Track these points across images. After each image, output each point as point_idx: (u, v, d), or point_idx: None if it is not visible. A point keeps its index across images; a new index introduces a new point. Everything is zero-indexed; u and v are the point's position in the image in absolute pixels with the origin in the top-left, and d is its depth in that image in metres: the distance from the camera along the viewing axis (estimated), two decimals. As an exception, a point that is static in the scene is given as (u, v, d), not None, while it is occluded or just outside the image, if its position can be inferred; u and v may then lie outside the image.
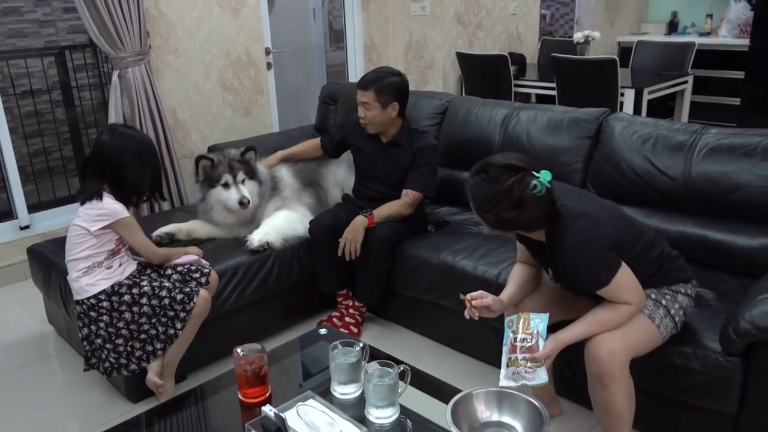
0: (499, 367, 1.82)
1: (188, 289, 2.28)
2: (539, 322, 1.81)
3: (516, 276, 2.05)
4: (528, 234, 1.86)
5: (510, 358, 1.81)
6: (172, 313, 2.26)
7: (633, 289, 1.78)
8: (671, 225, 2.43)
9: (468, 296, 1.91)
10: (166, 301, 2.25)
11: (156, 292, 2.25)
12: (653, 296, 1.89)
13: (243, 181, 2.75)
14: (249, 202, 2.71)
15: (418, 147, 2.81)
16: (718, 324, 1.91)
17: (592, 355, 1.78)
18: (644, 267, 1.84)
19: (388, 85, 2.74)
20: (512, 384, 1.77)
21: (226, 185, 2.71)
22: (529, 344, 1.79)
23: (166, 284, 2.28)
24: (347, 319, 2.85)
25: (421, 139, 2.84)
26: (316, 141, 3.14)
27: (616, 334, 1.77)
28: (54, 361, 2.80)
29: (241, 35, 4.10)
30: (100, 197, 2.18)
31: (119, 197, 2.24)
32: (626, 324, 1.79)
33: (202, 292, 2.32)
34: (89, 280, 2.22)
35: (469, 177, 1.79)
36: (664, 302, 1.88)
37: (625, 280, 1.77)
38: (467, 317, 1.93)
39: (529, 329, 1.81)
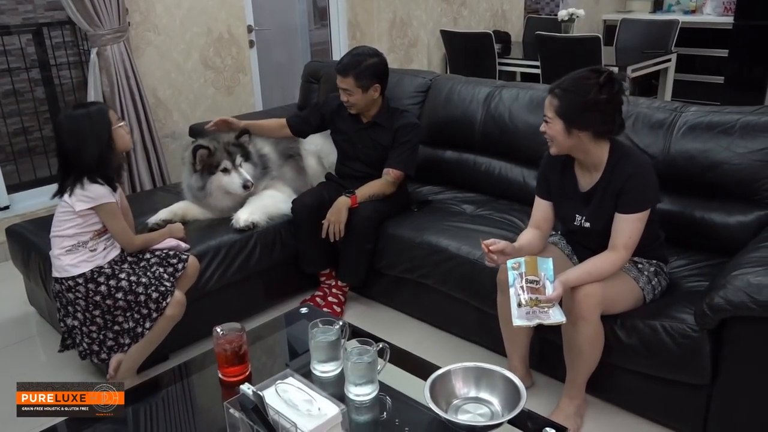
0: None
1: (163, 288, 2.25)
2: (545, 266, 1.91)
3: (527, 237, 2.16)
4: (586, 154, 2.00)
5: (520, 298, 1.89)
6: (145, 311, 2.24)
7: (638, 236, 1.97)
8: (650, 203, 2.45)
9: (485, 243, 2.01)
10: (142, 297, 2.22)
11: (133, 288, 2.21)
12: (639, 265, 2.07)
13: (240, 164, 2.74)
14: (252, 184, 2.71)
15: (399, 126, 2.81)
16: (692, 300, 1.95)
17: (570, 295, 1.93)
18: (651, 228, 2.01)
19: (367, 68, 2.71)
20: (527, 323, 1.88)
21: (225, 170, 2.70)
22: (537, 286, 1.89)
23: (143, 279, 2.24)
24: (330, 298, 2.85)
25: (402, 118, 2.83)
26: (282, 120, 3.06)
27: (597, 282, 1.93)
28: (36, 342, 2.80)
29: (222, 12, 4.04)
30: (82, 185, 2.16)
31: (104, 180, 2.19)
32: (611, 279, 1.97)
33: (177, 294, 2.28)
34: (71, 260, 2.20)
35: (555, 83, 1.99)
36: (646, 273, 2.06)
37: (645, 220, 1.96)
38: (489, 264, 2.05)
39: (536, 271, 1.91)
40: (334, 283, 2.90)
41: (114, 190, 2.23)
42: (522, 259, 1.94)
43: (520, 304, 1.89)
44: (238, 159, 2.73)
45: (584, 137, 1.96)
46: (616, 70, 1.90)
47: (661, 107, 2.49)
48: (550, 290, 1.89)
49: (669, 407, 2.06)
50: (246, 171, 2.74)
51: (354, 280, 2.87)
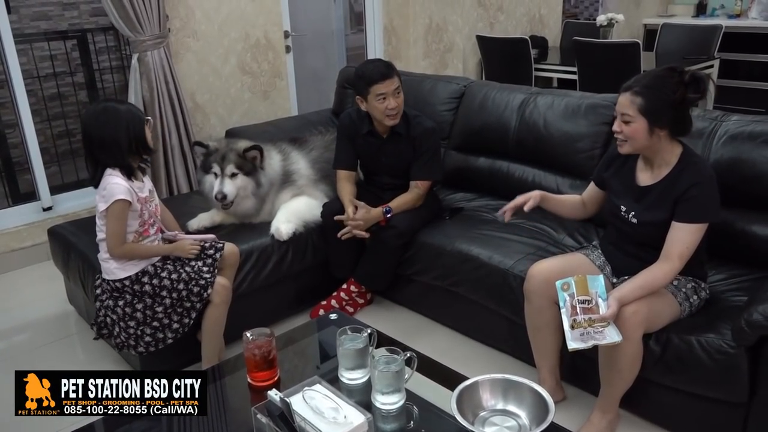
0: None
1: (203, 282, 2.29)
2: (596, 283, 1.87)
3: (569, 196, 2.38)
4: (656, 153, 1.98)
5: (574, 320, 1.84)
6: (188, 305, 2.29)
7: (694, 248, 1.92)
8: (688, 214, 2.39)
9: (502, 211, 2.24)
10: (184, 293, 2.27)
11: (175, 285, 2.26)
12: (675, 282, 1.98)
13: (232, 175, 2.65)
14: (225, 198, 2.62)
15: (416, 134, 2.77)
16: (731, 315, 1.89)
17: (618, 313, 1.86)
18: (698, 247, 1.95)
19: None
20: (582, 345, 1.83)
21: (216, 175, 2.67)
22: (590, 305, 1.84)
23: (184, 276, 2.28)
24: (342, 294, 2.88)
25: (418, 126, 2.79)
26: (344, 173, 2.87)
27: (643, 299, 1.88)
28: (74, 340, 2.87)
29: (260, 18, 4.10)
30: (101, 175, 2.18)
31: (123, 171, 2.20)
32: (654, 296, 1.90)
33: (218, 279, 2.33)
34: (118, 264, 2.24)
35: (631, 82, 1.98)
36: (683, 289, 2.00)
37: (702, 233, 1.92)
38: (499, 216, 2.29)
39: (587, 290, 1.86)
40: (347, 287, 2.90)
41: (130, 177, 2.21)
42: (571, 279, 1.89)
43: (573, 326, 1.83)
44: (229, 168, 2.64)
45: (663, 136, 1.94)
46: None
47: (701, 116, 2.43)
48: (604, 308, 1.84)
49: (704, 425, 2.00)
50: (238, 184, 2.65)
51: (373, 285, 2.90)
